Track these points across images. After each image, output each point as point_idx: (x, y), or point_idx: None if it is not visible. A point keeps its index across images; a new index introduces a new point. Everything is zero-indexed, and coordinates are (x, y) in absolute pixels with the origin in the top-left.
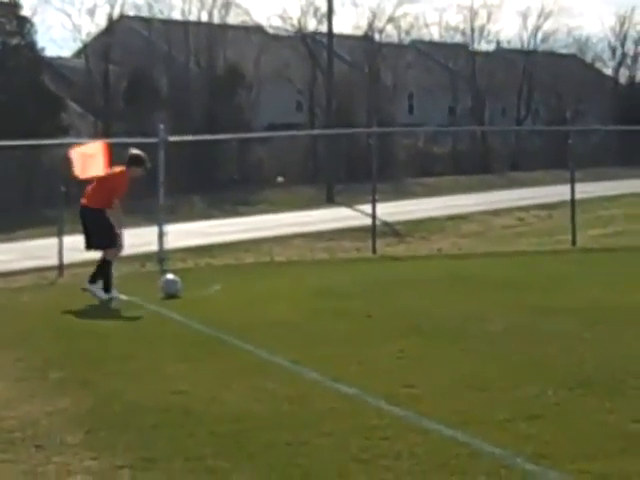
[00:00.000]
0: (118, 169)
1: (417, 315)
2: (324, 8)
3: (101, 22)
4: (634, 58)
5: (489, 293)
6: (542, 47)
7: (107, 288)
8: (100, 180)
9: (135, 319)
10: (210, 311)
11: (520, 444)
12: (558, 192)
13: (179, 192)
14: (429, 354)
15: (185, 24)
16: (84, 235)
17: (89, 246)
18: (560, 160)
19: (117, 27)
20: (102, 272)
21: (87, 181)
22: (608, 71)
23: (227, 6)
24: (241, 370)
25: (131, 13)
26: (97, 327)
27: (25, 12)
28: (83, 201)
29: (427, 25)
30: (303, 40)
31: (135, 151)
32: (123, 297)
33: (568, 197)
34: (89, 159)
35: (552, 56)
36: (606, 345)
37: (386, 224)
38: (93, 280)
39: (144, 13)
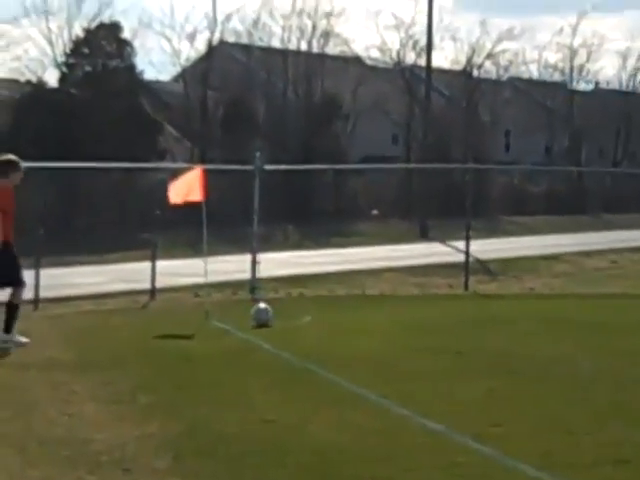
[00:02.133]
0: None
1: (506, 354)
2: (423, 41)
3: (200, 47)
4: None
5: (579, 335)
6: None
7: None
8: None
9: (225, 346)
10: (300, 342)
11: None
12: None
13: (273, 221)
14: (517, 394)
15: (284, 52)
16: None
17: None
18: None
19: (216, 53)
20: (12, 317)
21: (182, 206)
22: None
23: (326, 36)
24: (329, 402)
25: (231, 40)
26: (187, 353)
27: (125, 35)
28: None
29: (526, 62)
30: (401, 73)
31: (6, 156)
32: (23, 340)
33: None
34: (187, 185)
35: None
36: None
37: (478, 261)
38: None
39: (244, 40)
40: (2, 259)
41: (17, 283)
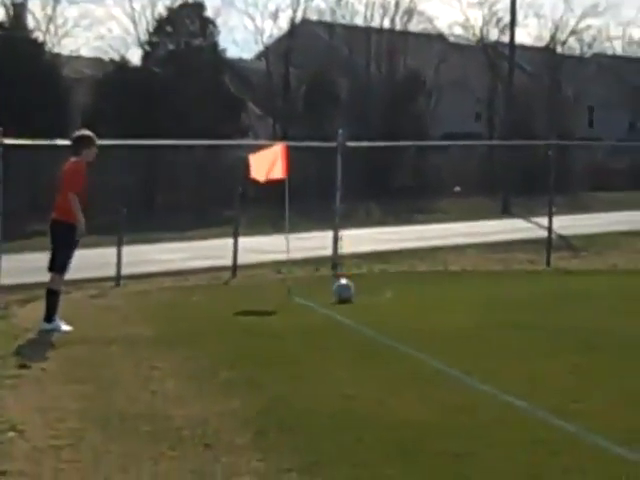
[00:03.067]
0: (66, 166)
1: (589, 330)
2: (506, 19)
3: (283, 25)
4: None
5: None
6: None
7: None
8: (60, 186)
9: (307, 322)
10: (382, 317)
11: None
12: None
13: (355, 198)
14: (600, 370)
15: (367, 30)
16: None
17: (51, 267)
18: None
19: (299, 31)
20: (52, 305)
21: (264, 183)
22: None
23: (410, 13)
24: (411, 377)
25: (313, 17)
26: (268, 329)
27: (208, 13)
28: (53, 215)
29: (610, 39)
30: (484, 50)
31: (78, 132)
32: (67, 328)
33: None
34: (269, 162)
35: None
36: None
37: (561, 237)
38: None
39: (326, 18)
40: (62, 242)
41: (60, 270)
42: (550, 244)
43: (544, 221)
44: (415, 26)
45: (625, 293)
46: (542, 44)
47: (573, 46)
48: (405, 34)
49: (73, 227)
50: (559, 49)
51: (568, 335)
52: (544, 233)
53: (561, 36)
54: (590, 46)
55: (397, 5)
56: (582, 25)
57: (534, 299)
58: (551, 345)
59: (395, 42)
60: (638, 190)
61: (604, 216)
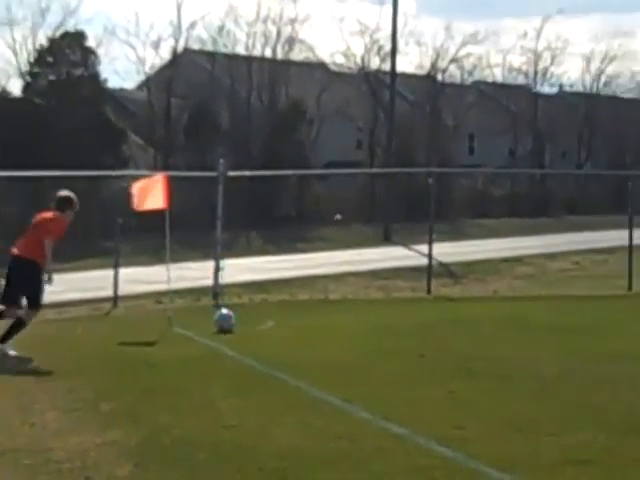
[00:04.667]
0: (49, 215)
1: (470, 357)
2: (388, 47)
3: (165, 55)
4: None
5: (542, 336)
6: (604, 91)
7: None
8: (35, 229)
9: (187, 352)
10: (263, 347)
11: None
12: (615, 237)
13: (237, 227)
14: (480, 396)
15: (248, 59)
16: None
17: (6, 300)
18: (618, 205)
19: (181, 60)
20: (16, 331)
21: (145, 213)
22: None
23: (291, 42)
24: (292, 407)
25: (195, 47)
26: (149, 360)
27: (90, 43)
28: (15, 251)
29: (490, 66)
30: (366, 78)
31: (65, 192)
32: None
33: (626, 242)
34: (149, 192)
35: (614, 100)
36: None
37: (442, 264)
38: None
39: (208, 47)
40: (34, 278)
41: (36, 305)
42: (430, 271)
43: (425, 248)
44: (297, 55)
45: (505, 319)
46: (423, 72)
47: (454, 74)
48: (287, 63)
49: (41, 267)
50: (440, 77)
51: (448, 362)
52: (425, 260)
53: (442, 64)
54: (471, 73)
55: (278, 34)
56: (462, 53)
57: (415, 326)
58: (432, 372)
59: (277, 71)
60: (518, 217)
61: (485, 243)
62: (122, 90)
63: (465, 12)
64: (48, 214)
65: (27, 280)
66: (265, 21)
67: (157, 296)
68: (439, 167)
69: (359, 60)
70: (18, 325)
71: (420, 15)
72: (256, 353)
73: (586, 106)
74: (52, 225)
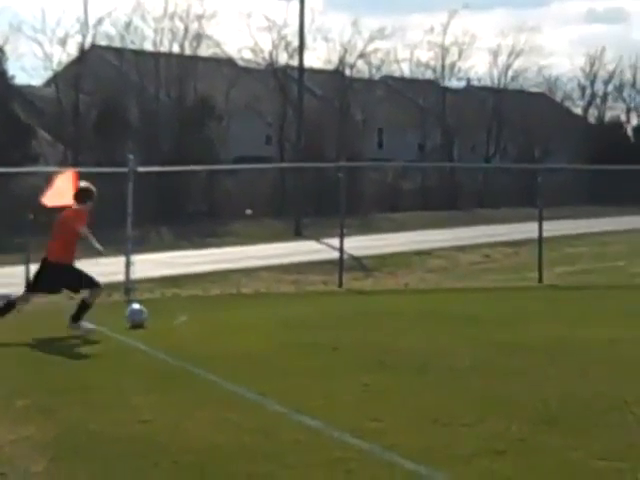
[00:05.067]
0: (71, 211)
1: (383, 349)
2: (296, 42)
3: (72, 51)
4: (603, 98)
5: (455, 328)
6: (512, 85)
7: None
8: (60, 230)
9: (100, 348)
10: (176, 342)
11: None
12: (525, 229)
13: (147, 223)
14: (394, 388)
15: (156, 55)
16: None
17: (77, 290)
18: (528, 198)
19: (88, 57)
20: (83, 313)
21: (54, 209)
22: (577, 110)
23: (199, 38)
24: (206, 401)
25: (103, 43)
26: (63, 356)
27: None
28: (51, 258)
29: (398, 61)
30: (274, 74)
31: (85, 184)
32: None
33: (535, 235)
34: (58, 188)
35: (522, 94)
36: (571, 382)
37: (353, 258)
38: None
39: (116, 43)
40: (73, 273)
41: (93, 285)
42: (342, 265)
43: (335, 242)
44: (204, 51)
45: (417, 311)
46: (331, 67)
47: (362, 69)
48: (194, 59)
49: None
50: (348, 72)
51: (362, 354)
52: (336, 254)
53: (350, 59)
54: (378, 69)
55: (186, 30)
56: (370, 48)
57: (327, 319)
58: (345, 365)
59: (185, 67)
60: (428, 210)
61: (396, 236)
62: (30, 87)
63: (372, 8)
64: (69, 212)
65: (70, 279)
66: (172, 17)
67: (69, 292)
68: (348, 161)
69: (267, 56)
70: (85, 307)
71: (327, 11)
72: (170, 348)
73: (494, 100)
74: (76, 222)
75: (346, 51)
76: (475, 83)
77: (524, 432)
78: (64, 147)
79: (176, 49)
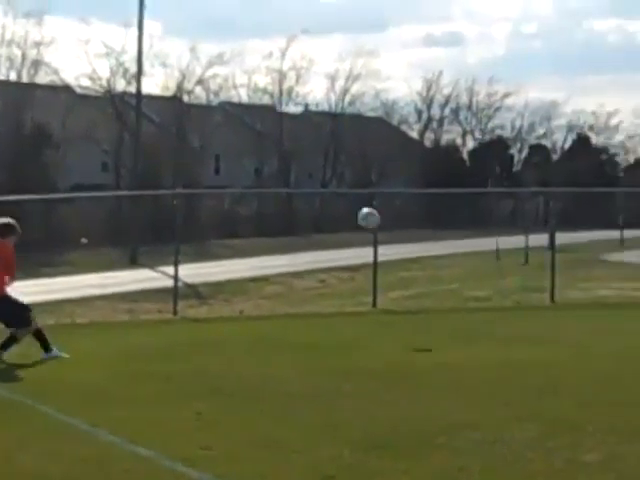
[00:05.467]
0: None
1: (217, 377)
2: (133, 69)
3: None
4: (439, 122)
5: (289, 354)
6: (349, 110)
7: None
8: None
9: None
10: (8, 373)
11: None
12: (362, 254)
13: None
14: (227, 415)
15: None
16: None
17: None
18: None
19: None
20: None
21: None
22: (414, 134)
23: (36, 65)
24: (39, 432)
25: None
26: None
27: None
28: None
29: (236, 87)
30: (111, 100)
31: (4, 220)
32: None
33: (371, 259)
34: None
35: (359, 119)
36: (403, 406)
37: (188, 286)
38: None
39: None
40: (6, 307)
41: (22, 324)
42: (177, 293)
43: (171, 270)
44: (42, 78)
45: (252, 338)
46: (169, 94)
47: (200, 95)
48: (32, 86)
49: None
50: (186, 98)
51: (195, 382)
52: (171, 282)
53: (188, 85)
54: (217, 94)
55: (24, 57)
56: (209, 74)
57: (161, 348)
58: (178, 393)
59: (22, 94)
60: (266, 236)
61: (231, 263)
62: None
63: (210, 33)
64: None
65: (9, 313)
66: (10, 44)
67: None
68: (185, 188)
69: (105, 83)
70: (14, 340)
71: (165, 37)
72: (2, 380)
73: (331, 125)
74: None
75: (184, 77)
76: (313, 108)
77: (355, 457)
78: None
79: (13, 76)
